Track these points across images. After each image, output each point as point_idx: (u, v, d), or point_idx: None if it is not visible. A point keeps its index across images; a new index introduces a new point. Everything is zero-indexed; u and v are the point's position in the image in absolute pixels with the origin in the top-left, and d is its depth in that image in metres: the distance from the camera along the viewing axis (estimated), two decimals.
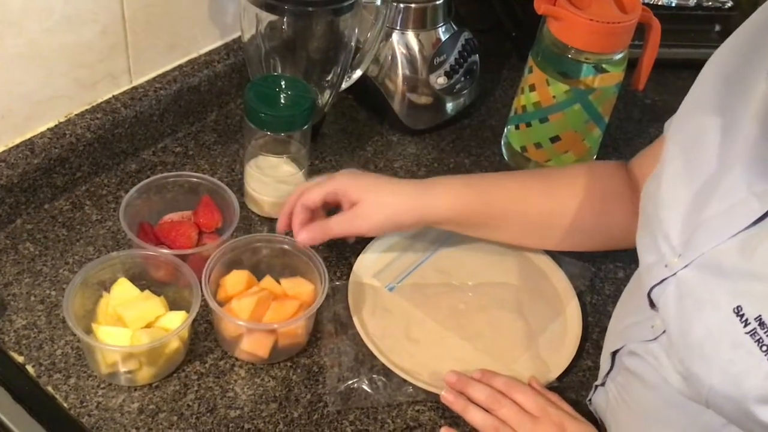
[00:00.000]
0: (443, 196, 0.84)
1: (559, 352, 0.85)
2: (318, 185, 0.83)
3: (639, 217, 0.70)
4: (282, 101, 0.88)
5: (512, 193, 0.87)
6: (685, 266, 0.60)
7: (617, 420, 0.73)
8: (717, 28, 1.27)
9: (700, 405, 0.60)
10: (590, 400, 0.79)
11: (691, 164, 0.63)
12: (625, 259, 0.97)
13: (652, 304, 0.64)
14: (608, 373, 0.74)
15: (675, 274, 0.61)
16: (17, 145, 0.87)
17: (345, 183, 0.83)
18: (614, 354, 0.73)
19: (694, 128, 0.65)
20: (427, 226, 0.86)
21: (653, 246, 0.64)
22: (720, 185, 0.59)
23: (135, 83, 0.97)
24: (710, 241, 0.58)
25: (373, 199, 0.82)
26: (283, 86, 0.89)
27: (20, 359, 0.77)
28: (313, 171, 1.02)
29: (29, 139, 0.88)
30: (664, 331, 0.64)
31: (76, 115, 0.92)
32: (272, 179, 0.92)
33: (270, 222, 0.94)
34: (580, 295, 0.90)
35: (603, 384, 0.76)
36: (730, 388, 0.55)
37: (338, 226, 0.82)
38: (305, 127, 0.89)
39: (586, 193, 0.85)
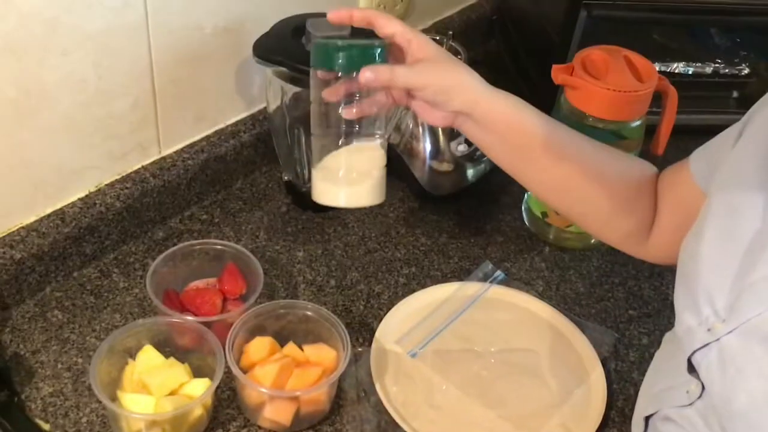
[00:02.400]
0: (503, 99, 0.78)
1: (584, 420, 0.83)
2: (399, 22, 0.76)
3: (677, 274, 0.68)
4: (353, 42, 0.76)
5: (573, 139, 0.81)
6: (729, 332, 0.58)
7: None
8: (735, 94, 1.28)
9: None
10: None
11: (735, 224, 0.62)
12: (649, 325, 0.96)
13: (692, 369, 0.63)
14: None
15: (718, 339, 0.59)
16: (48, 215, 0.90)
17: (424, 39, 0.76)
18: (647, 419, 0.71)
19: (739, 187, 0.64)
20: (472, 118, 0.77)
21: (694, 308, 0.62)
22: (766, 247, 0.58)
23: (164, 153, 1.00)
24: (756, 306, 0.57)
25: (445, 61, 0.76)
26: (347, 38, 0.78)
27: (46, 427, 0.78)
28: (334, 237, 1.03)
29: (60, 208, 0.91)
30: (700, 396, 0.63)
31: (106, 185, 0.95)
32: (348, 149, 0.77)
33: (293, 289, 0.95)
34: (604, 362, 0.90)
35: None
36: None
37: (406, 73, 0.74)
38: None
39: (629, 178, 0.82)
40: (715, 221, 0.64)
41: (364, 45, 0.74)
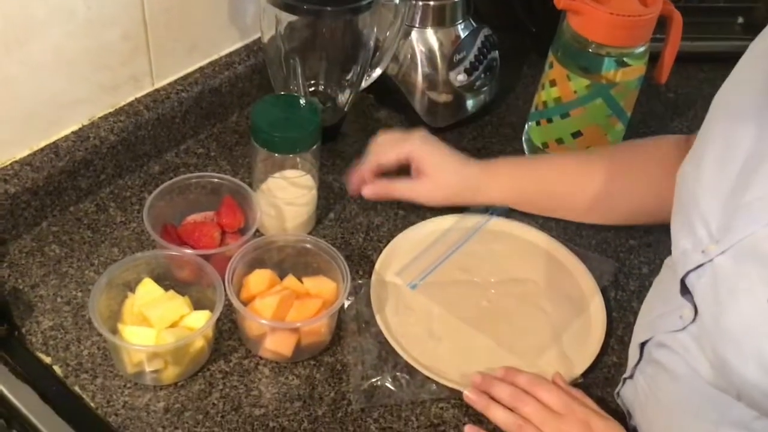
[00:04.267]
0: (501, 183, 0.92)
1: (583, 348, 0.84)
2: (394, 147, 0.91)
3: (674, 200, 0.68)
4: (289, 121, 0.85)
5: (573, 178, 0.92)
6: (722, 252, 0.59)
7: (646, 413, 0.72)
8: (740, 20, 1.25)
9: (731, 397, 0.59)
10: (618, 393, 0.78)
11: (730, 148, 0.62)
12: (650, 254, 0.96)
13: (685, 290, 0.64)
14: (637, 365, 0.73)
15: (711, 260, 0.60)
16: (42, 149, 0.89)
17: (419, 151, 0.91)
18: (642, 345, 0.72)
19: (736, 112, 0.64)
20: (484, 202, 0.95)
21: (689, 230, 0.63)
22: (760, 168, 0.58)
23: (157, 86, 0.98)
24: (749, 226, 0.57)
25: (439, 178, 0.91)
26: (290, 106, 0.88)
27: (47, 360, 0.78)
28: (333, 170, 1.02)
29: (54, 142, 0.90)
30: (693, 320, 0.63)
31: (99, 118, 0.93)
32: (282, 201, 0.89)
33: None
34: (603, 291, 0.90)
35: (631, 376, 0.75)
36: (765, 379, 0.54)
37: (401, 191, 0.92)
38: (314, 147, 0.87)
39: (650, 176, 0.88)
40: (711, 146, 0.64)
41: (297, 130, 0.85)
